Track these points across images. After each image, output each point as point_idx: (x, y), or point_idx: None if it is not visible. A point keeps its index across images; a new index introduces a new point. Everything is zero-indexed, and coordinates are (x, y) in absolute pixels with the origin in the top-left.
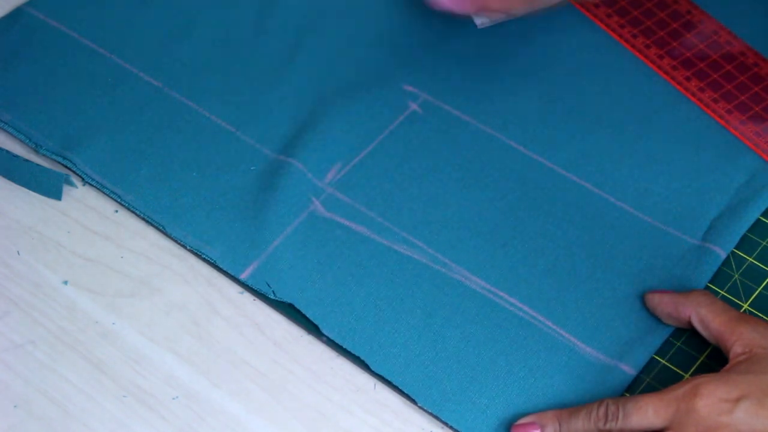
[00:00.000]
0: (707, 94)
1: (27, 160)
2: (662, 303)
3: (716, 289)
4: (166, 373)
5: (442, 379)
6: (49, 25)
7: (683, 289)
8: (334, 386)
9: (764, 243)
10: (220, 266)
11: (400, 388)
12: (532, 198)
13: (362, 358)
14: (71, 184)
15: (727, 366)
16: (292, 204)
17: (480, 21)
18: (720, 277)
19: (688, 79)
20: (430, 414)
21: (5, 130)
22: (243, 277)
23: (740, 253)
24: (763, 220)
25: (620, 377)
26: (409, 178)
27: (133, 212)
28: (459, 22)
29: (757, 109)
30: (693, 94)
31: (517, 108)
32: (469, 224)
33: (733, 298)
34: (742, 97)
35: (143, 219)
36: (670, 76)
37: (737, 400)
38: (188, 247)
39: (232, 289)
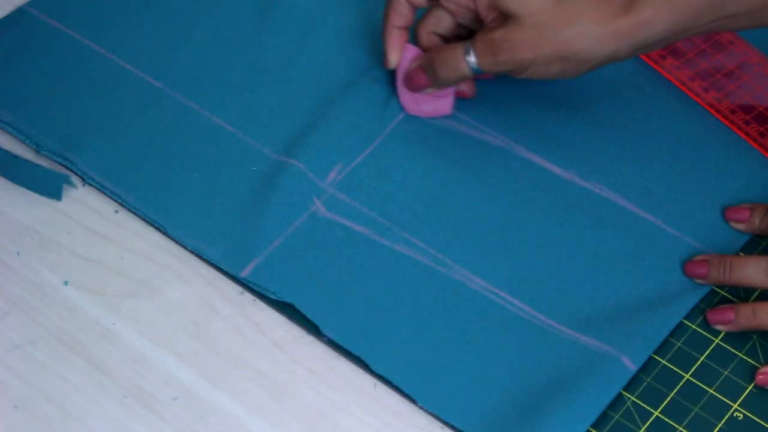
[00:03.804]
0: (711, 95)
1: (27, 161)
2: None
3: (717, 289)
4: (166, 373)
5: (443, 379)
6: (50, 25)
7: (685, 291)
8: (334, 386)
9: (764, 243)
10: (221, 267)
11: (400, 388)
12: (533, 198)
13: (362, 358)
14: (71, 184)
15: None
16: (293, 204)
17: None
18: None
19: (692, 79)
20: (430, 414)
21: (5, 130)
22: (243, 275)
23: (741, 254)
24: None
25: (621, 370)
26: (410, 179)
27: (133, 213)
28: None
29: (761, 108)
30: (697, 95)
31: (517, 108)
32: (470, 224)
33: (733, 298)
34: (746, 97)
35: (143, 219)
36: (673, 76)
37: None
38: (188, 248)
39: (232, 290)
